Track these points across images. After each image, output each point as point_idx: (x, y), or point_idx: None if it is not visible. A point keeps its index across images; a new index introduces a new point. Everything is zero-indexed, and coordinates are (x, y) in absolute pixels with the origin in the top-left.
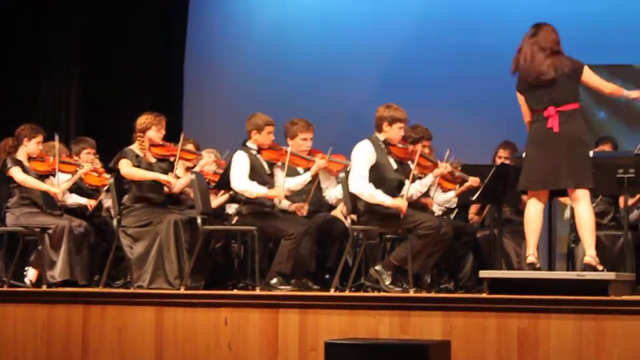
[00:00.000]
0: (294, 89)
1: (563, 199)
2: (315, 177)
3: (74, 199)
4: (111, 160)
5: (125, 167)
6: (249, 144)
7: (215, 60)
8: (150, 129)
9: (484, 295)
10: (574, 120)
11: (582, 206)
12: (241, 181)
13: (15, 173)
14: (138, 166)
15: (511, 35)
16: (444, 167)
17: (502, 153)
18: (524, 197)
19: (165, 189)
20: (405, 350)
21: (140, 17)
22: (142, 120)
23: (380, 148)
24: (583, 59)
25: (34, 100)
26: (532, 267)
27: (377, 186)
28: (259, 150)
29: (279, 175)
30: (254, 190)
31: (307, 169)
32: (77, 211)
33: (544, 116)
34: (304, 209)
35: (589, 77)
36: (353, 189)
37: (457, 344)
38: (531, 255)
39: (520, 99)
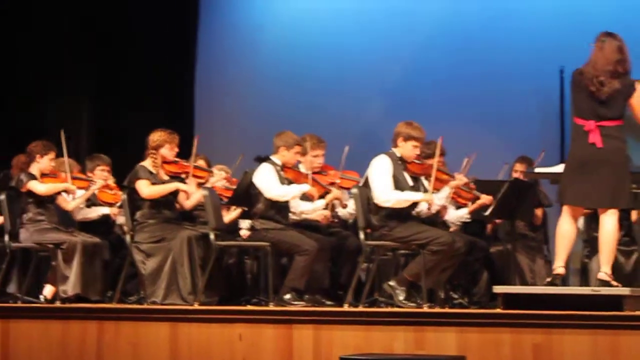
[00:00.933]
0: (305, 105)
1: None
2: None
3: (100, 210)
4: (121, 176)
5: (145, 189)
6: (273, 158)
7: (225, 77)
8: (164, 147)
9: (499, 310)
10: (615, 137)
11: (609, 223)
12: (276, 188)
13: (37, 186)
14: (154, 183)
15: (523, 52)
16: (459, 180)
17: (519, 167)
18: (538, 212)
19: (177, 205)
20: None
21: (150, 34)
22: (156, 137)
23: (397, 163)
24: None
25: (45, 117)
26: (558, 278)
27: None
28: (282, 167)
29: (298, 200)
30: (293, 191)
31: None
32: (96, 228)
33: (585, 130)
34: (327, 217)
35: (637, 101)
36: (380, 200)
37: (472, 359)
38: (560, 267)
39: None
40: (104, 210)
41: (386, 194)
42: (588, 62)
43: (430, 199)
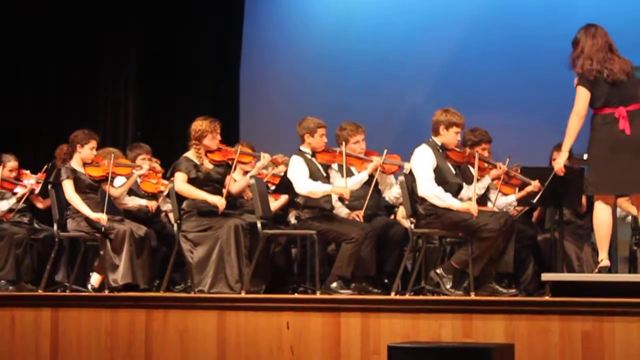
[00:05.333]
0: (349, 92)
1: (625, 205)
2: (372, 178)
3: (136, 201)
4: (169, 165)
5: (179, 184)
6: (302, 148)
7: (270, 65)
8: (206, 137)
9: (547, 298)
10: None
11: None
12: (304, 184)
13: (67, 188)
14: (195, 177)
15: (569, 33)
16: (500, 169)
17: (556, 155)
18: (584, 200)
19: (224, 190)
20: (469, 353)
21: (196, 23)
22: (197, 127)
23: (439, 152)
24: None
25: (91, 107)
26: (605, 270)
27: None
28: (314, 154)
29: (335, 177)
30: (320, 189)
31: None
32: (139, 216)
33: (615, 117)
34: (360, 216)
35: None
36: (422, 192)
37: (520, 347)
38: (605, 260)
39: (583, 93)
40: (142, 201)
41: (429, 189)
42: (584, 56)
43: (472, 208)
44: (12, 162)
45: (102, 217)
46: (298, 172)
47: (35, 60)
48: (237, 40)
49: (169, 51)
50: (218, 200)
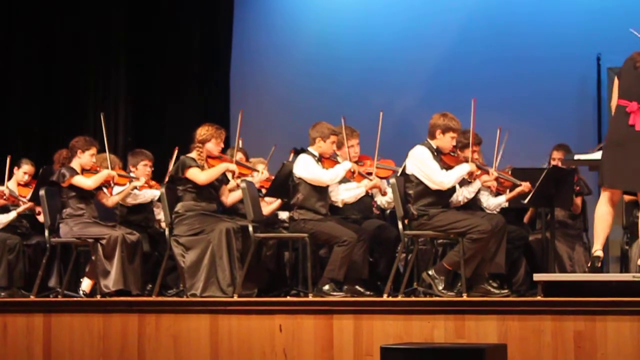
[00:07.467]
0: (339, 97)
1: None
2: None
3: (148, 193)
4: (157, 170)
5: (201, 175)
6: (311, 149)
7: (261, 72)
8: (210, 141)
9: (539, 298)
10: None
11: None
12: (323, 173)
13: (83, 181)
14: None
15: (560, 40)
16: (491, 175)
17: (556, 155)
18: (577, 201)
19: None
20: (462, 354)
21: (185, 29)
22: (203, 131)
23: (434, 155)
24: None
25: (84, 114)
26: (597, 259)
27: (430, 193)
28: (320, 158)
29: (334, 185)
30: (340, 172)
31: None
32: (136, 220)
33: (627, 111)
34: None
35: None
36: (443, 184)
37: (513, 347)
38: (599, 250)
39: (615, 84)
40: (155, 192)
41: (446, 177)
42: None
43: (474, 168)
44: (27, 166)
45: (111, 173)
46: (312, 166)
47: (24, 69)
48: (227, 47)
49: (158, 59)
50: (235, 167)
